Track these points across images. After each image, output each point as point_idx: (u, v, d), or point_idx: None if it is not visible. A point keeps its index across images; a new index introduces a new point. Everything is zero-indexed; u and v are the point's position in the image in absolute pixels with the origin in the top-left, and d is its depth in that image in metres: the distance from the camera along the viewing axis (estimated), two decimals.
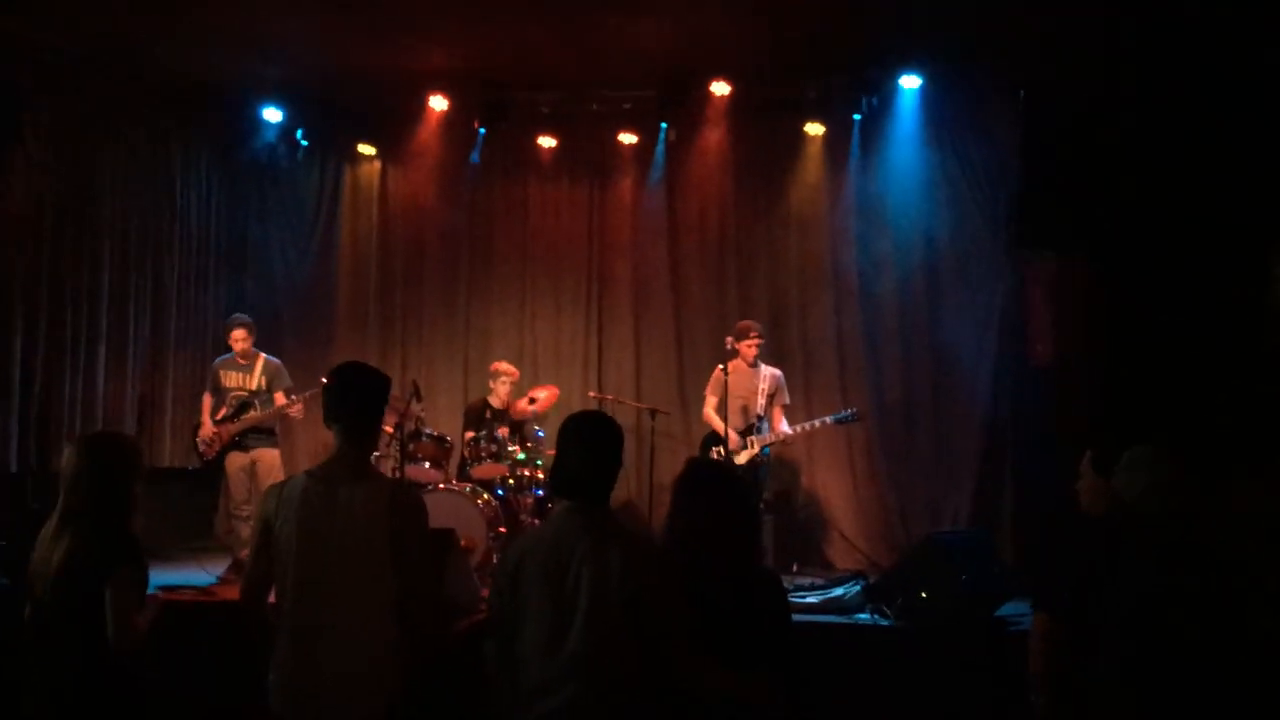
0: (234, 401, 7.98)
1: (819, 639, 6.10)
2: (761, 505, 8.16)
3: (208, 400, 8.14)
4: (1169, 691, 3.31)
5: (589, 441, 3.24)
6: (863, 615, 6.52)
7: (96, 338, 8.63)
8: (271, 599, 3.51)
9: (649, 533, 7.85)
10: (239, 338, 8.04)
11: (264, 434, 8.01)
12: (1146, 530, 3.49)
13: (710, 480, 3.49)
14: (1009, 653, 5.66)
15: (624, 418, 9.37)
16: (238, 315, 8.28)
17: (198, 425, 8.12)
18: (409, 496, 3.57)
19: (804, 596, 6.75)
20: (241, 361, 8.07)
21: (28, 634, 3.67)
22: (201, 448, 8.00)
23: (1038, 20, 7.54)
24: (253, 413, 7.92)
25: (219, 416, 7.97)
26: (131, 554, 3.65)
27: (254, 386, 8.02)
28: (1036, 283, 8.50)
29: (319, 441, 9.48)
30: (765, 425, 8.06)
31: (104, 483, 3.67)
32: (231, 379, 8.04)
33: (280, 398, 7.99)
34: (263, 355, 8.15)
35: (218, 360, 8.29)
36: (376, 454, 7.74)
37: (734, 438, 8.00)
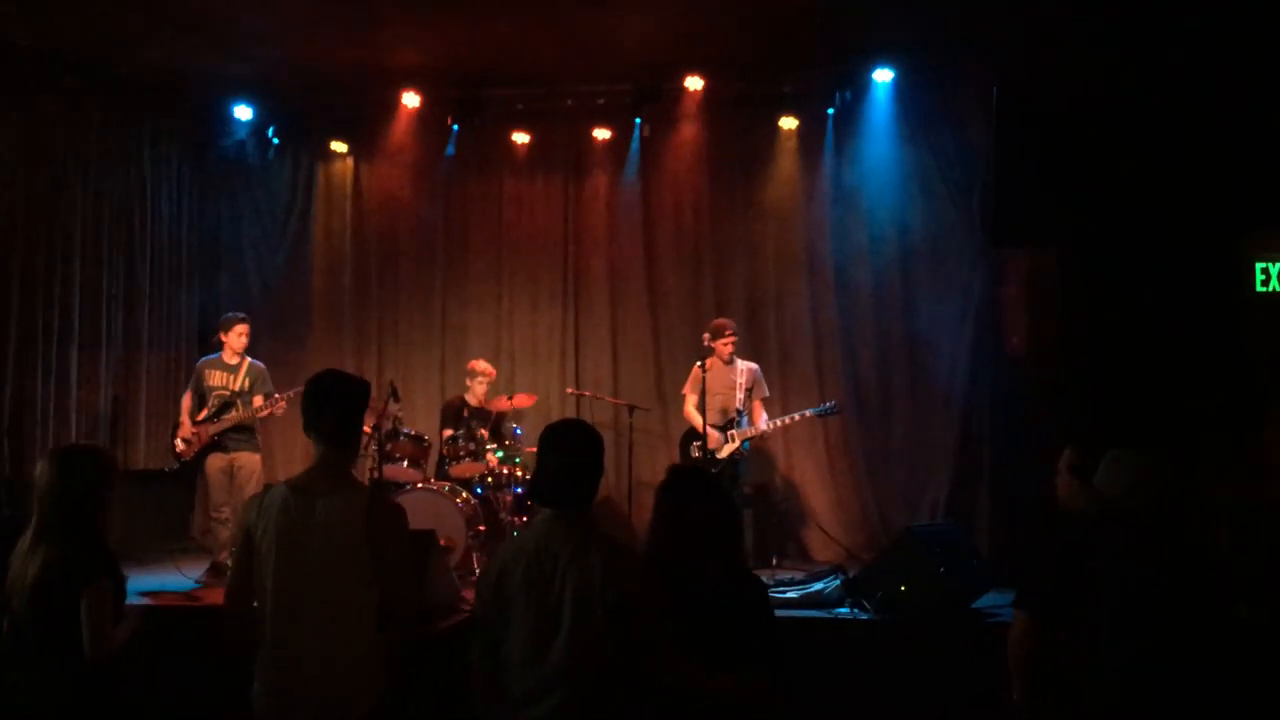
0: (216, 401, 7.90)
1: (800, 634, 6.14)
2: (741, 499, 8.20)
3: (188, 400, 8.05)
4: (1159, 686, 3.34)
5: (569, 450, 3.26)
6: (843, 609, 6.56)
7: (69, 339, 8.54)
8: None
9: (631, 536, 7.88)
10: (242, 332, 7.97)
11: (245, 436, 7.93)
12: (1131, 528, 3.52)
13: (693, 486, 3.52)
14: (988, 644, 5.72)
15: (602, 414, 9.40)
16: (238, 313, 8.17)
17: (176, 425, 8.05)
18: (387, 505, 3.56)
19: (784, 592, 6.79)
20: (229, 361, 8.00)
21: (6, 647, 3.65)
22: (180, 447, 7.91)
23: (1009, 15, 7.57)
24: (234, 413, 7.86)
25: (200, 417, 7.90)
26: (106, 565, 3.66)
27: (238, 387, 7.95)
28: (1011, 276, 8.54)
29: (299, 446, 9.45)
30: (744, 420, 8.10)
31: (77, 496, 3.67)
32: (216, 378, 7.96)
33: (259, 401, 7.94)
34: (248, 358, 8.09)
35: (203, 360, 8.21)
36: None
37: (713, 434, 8.04)
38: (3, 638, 3.67)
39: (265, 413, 7.87)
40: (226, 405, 7.88)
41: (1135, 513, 3.53)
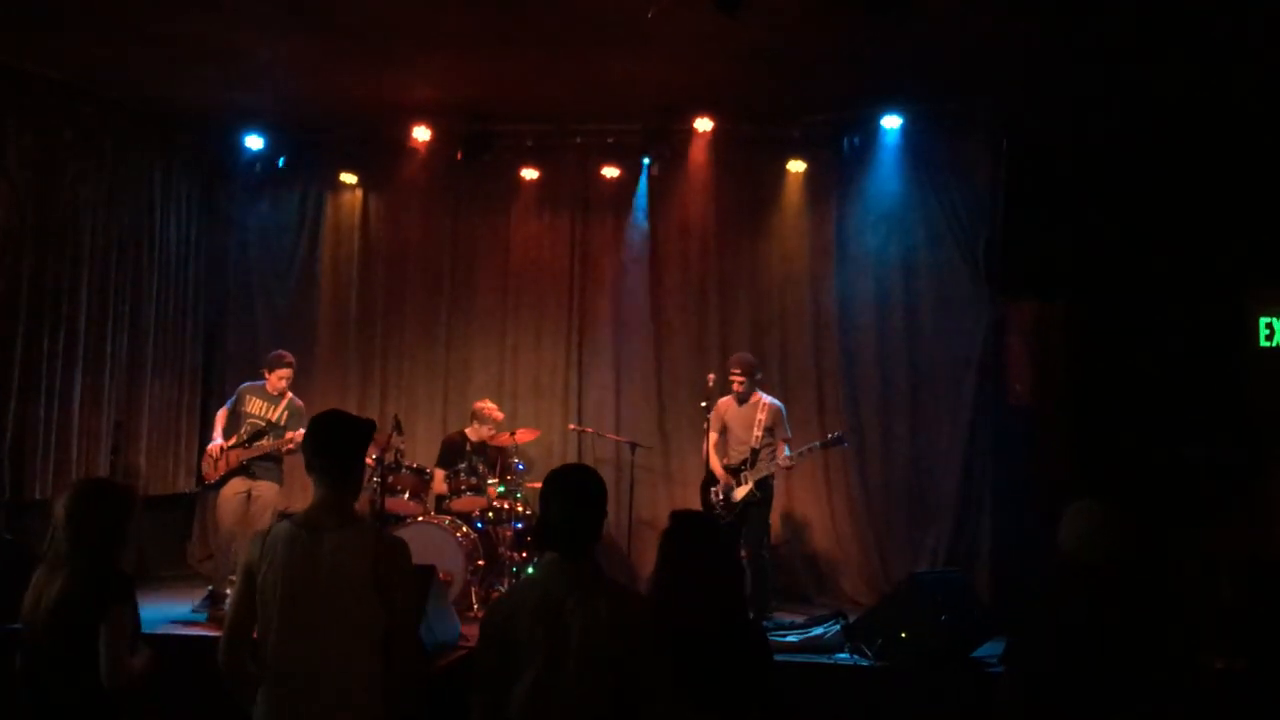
0: (249, 428, 7.92)
1: (799, 679, 6.12)
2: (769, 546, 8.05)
3: (223, 416, 8.10)
4: None
5: (573, 494, 3.26)
6: (843, 655, 6.54)
7: (73, 364, 8.53)
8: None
9: (630, 574, 7.86)
10: (284, 375, 8.02)
11: (271, 465, 7.92)
12: (1087, 580, 3.59)
13: (694, 534, 3.54)
14: (987, 693, 5.69)
15: (603, 450, 9.40)
16: (285, 354, 8.18)
17: (204, 445, 8.04)
18: (393, 540, 3.55)
19: (784, 636, 6.77)
20: (272, 393, 8.03)
21: (21, 678, 3.67)
22: (205, 466, 7.91)
23: (1018, 65, 7.64)
24: (264, 441, 7.86)
25: (231, 441, 7.90)
26: (125, 594, 3.69)
27: (275, 419, 7.97)
28: (1015, 325, 8.56)
29: (299, 475, 9.40)
30: (758, 460, 7.93)
31: (99, 530, 3.72)
32: (255, 405, 7.99)
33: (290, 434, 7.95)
34: (290, 394, 8.11)
35: (247, 385, 8.23)
36: None
37: (726, 477, 7.96)
38: (19, 669, 3.69)
39: (290, 446, 7.83)
40: (260, 433, 7.89)
41: (1089, 566, 3.59)
